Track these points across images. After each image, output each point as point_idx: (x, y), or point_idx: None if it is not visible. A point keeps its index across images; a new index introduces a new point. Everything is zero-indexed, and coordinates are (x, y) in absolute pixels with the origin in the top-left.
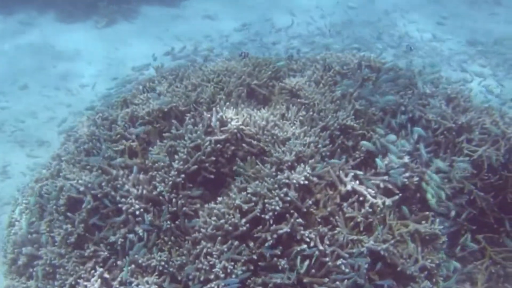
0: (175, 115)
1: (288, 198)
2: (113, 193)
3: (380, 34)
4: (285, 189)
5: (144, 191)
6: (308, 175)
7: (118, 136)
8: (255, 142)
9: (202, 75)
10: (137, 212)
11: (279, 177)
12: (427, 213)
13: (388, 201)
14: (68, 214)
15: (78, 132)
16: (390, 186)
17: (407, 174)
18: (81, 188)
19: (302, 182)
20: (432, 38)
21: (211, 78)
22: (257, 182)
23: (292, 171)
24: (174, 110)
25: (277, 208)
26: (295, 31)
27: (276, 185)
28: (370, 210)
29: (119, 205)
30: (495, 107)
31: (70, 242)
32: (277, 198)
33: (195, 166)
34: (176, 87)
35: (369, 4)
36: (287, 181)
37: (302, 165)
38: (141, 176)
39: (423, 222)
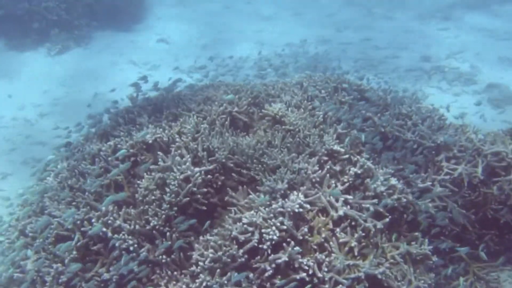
0: (159, 146)
1: (284, 227)
2: (104, 229)
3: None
4: (280, 218)
5: (137, 226)
6: (302, 202)
7: (102, 170)
8: (244, 171)
9: (182, 105)
10: (131, 248)
11: (273, 206)
12: (416, 233)
13: (379, 224)
14: (58, 252)
15: (58, 167)
16: (380, 209)
17: (395, 196)
18: (70, 226)
19: (297, 210)
20: (388, 54)
21: (192, 108)
22: (252, 212)
23: (286, 199)
24: (158, 142)
25: (275, 237)
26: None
27: (271, 214)
28: (363, 234)
29: (112, 241)
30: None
31: (61, 281)
32: (273, 228)
33: (187, 198)
34: (155, 117)
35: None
36: (281, 209)
37: (295, 192)
38: (132, 211)
39: (413, 243)
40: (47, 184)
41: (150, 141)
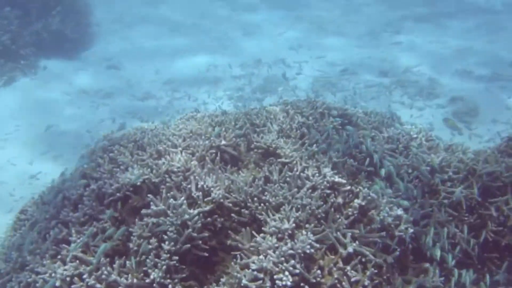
0: (148, 188)
1: (297, 271)
2: (98, 285)
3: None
4: (292, 261)
5: (135, 280)
6: (312, 242)
7: (86, 217)
8: (247, 211)
9: (166, 140)
10: None
11: (283, 248)
12: (427, 265)
13: (390, 259)
14: None
15: (34, 216)
16: (388, 242)
17: (402, 227)
18: (58, 283)
19: (308, 251)
20: (345, 70)
21: (178, 144)
22: (261, 256)
23: (295, 240)
24: (147, 183)
25: (288, 283)
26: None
27: (282, 258)
28: (376, 271)
29: None
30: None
31: None
32: (286, 272)
33: (187, 245)
34: (137, 154)
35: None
36: (292, 251)
37: (303, 232)
38: (127, 262)
39: (422, 275)
40: (24, 235)
41: (138, 183)
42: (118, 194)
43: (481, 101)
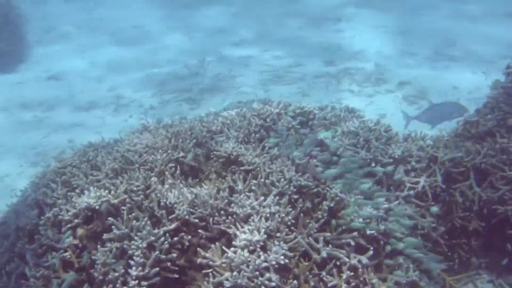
0: (107, 210)
1: (273, 284)
2: None
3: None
4: (267, 275)
5: None
6: (285, 252)
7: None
8: (213, 226)
9: (121, 157)
10: None
11: (257, 262)
12: (401, 260)
13: (364, 259)
14: None
15: None
16: (362, 241)
17: (373, 225)
18: None
19: (282, 262)
20: (291, 63)
21: (134, 160)
22: (234, 273)
23: (268, 252)
24: (106, 205)
25: None
26: None
27: (256, 272)
28: (352, 273)
29: None
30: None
31: None
32: (262, 287)
33: (156, 269)
34: (92, 175)
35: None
36: (266, 264)
37: (276, 242)
38: None
39: (399, 271)
40: None
41: (96, 207)
42: (76, 221)
43: (428, 83)
